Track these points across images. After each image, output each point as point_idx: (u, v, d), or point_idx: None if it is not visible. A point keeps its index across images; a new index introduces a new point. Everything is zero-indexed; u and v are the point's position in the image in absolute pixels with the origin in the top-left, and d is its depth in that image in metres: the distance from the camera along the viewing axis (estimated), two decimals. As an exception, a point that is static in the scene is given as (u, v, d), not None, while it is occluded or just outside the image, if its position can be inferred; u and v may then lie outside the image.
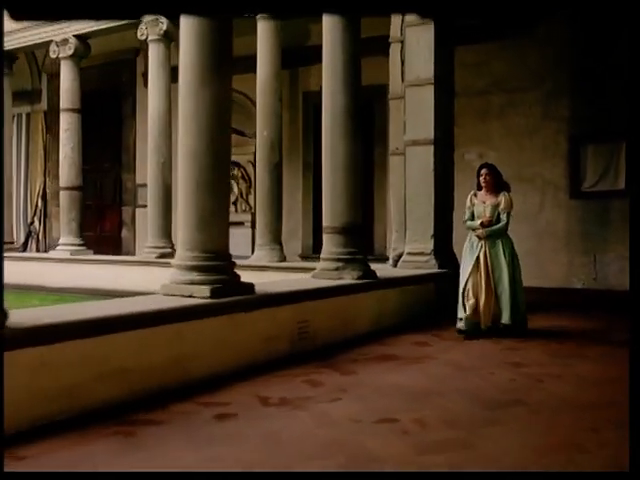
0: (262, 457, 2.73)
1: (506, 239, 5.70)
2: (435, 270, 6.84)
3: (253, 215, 12.97)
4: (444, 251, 7.11)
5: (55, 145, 15.22)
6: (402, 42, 7.42)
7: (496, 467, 2.63)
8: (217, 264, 4.18)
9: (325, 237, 5.83)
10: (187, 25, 4.23)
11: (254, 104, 12.61)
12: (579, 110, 9.54)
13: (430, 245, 6.98)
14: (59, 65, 10.83)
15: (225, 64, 4.26)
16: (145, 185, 13.91)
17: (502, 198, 5.71)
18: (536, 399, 3.63)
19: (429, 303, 6.57)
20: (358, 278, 5.60)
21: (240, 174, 13.30)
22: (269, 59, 8.77)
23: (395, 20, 7.49)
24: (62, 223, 10.53)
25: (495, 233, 5.65)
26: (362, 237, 6.06)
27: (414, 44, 7.07)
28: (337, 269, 5.61)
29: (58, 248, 10.49)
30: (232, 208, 13.24)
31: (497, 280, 5.57)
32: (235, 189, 13.30)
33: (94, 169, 13.84)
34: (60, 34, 10.35)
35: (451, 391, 3.82)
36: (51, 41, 10.55)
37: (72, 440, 2.89)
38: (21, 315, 3.10)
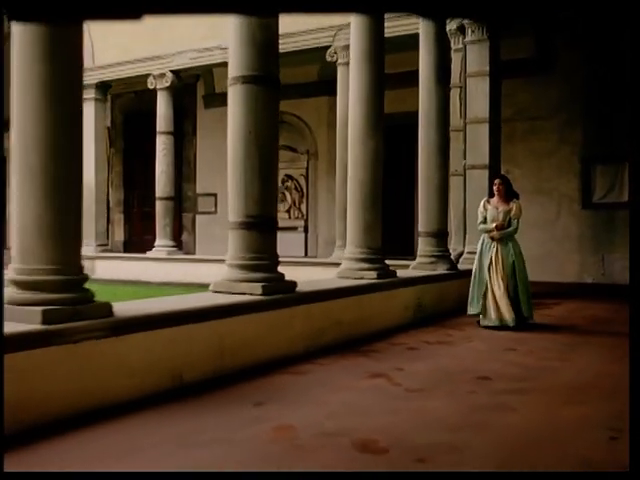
0: (456, 363, 4.76)
1: (514, 242, 6.43)
2: (490, 265, 8.93)
3: (305, 221, 14.98)
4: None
5: (118, 158, 17.19)
6: (460, 87, 9.53)
7: (588, 369, 4.67)
8: (378, 257, 6.24)
9: (420, 239, 7.90)
10: (355, 93, 6.28)
11: (307, 125, 14.73)
12: (590, 136, 11.66)
13: (486, 246, 9.07)
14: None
15: (380, 121, 6.32)
16: (204, 194, 15.94)
17: (514, 205, 6.44)
18: (597, 340, 5.73)
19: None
20: (447, 270, 7.67)
21: (293, 185, 15.26)
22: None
23: (455, 69, 9.59)
24: (157, 228, 12.42)
25: (506, 236, 6.41)
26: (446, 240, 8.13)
27: (473, 91, 9.17)
28: (431, 263, 7.67)
29: (155, 249, 12.37)
30: (285, 215, 15.29)
31: (510, 277, 6.29)
32: (289, 198, 15.28)
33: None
34: (158, 69, 12.21)
35: (536, 338, 5.90)
36: (149, 74, 12.36)
37: (336, 358, 4.88)
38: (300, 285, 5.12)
